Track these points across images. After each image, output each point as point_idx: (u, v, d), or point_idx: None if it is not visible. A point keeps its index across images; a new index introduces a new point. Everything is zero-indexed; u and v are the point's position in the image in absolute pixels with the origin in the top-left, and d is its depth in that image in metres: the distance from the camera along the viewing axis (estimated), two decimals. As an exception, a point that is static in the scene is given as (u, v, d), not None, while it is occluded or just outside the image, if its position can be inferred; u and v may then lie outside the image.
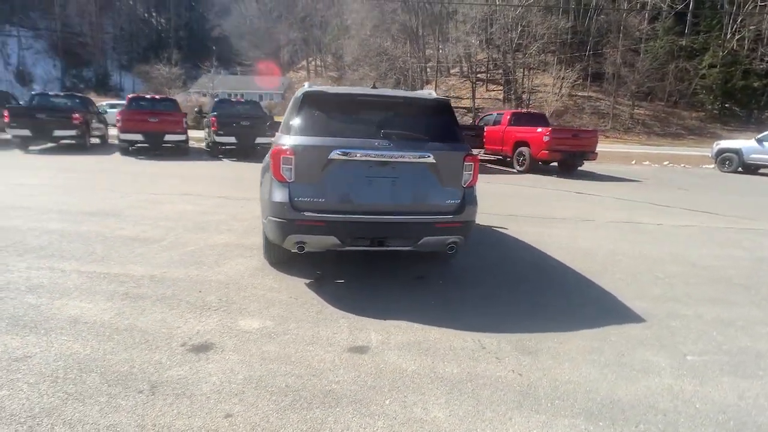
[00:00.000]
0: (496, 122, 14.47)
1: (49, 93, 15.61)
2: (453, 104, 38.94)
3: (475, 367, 2.67)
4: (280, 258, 4.20)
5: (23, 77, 55.42)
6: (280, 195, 3.39)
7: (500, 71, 42.21)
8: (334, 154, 3.31)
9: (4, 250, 4.27)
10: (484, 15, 39.65)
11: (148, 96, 15.34)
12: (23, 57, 57.79)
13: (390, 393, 2.38)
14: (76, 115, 12.98)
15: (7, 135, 12.71)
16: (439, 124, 3.70)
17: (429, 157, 3.44)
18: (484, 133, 13.38)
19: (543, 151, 12.18)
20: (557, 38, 39.64)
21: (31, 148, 13.25)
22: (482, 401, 2.35)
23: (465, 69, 45.37)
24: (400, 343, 2.93)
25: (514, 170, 13.33)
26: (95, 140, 15.67)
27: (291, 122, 3.52)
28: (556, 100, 35.94)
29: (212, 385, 2.37)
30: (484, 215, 6.90)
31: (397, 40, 43.97)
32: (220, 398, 2.26)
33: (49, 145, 13.96)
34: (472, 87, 42.27)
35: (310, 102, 3.54)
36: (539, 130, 12.34)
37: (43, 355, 2.57)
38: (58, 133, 12.78)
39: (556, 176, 12.61)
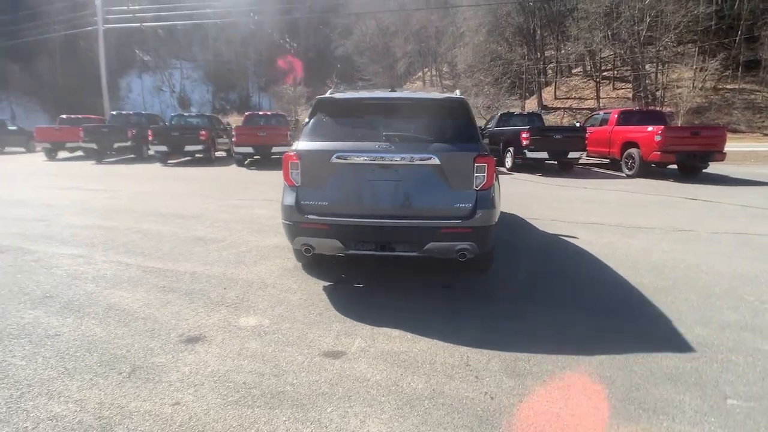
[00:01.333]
0: (603, 122, 13.10)
1: (185, 114, 18.19)
2: (575, 106, 35.96)
3: (445, 385, 2.45)
4: (309, 260, 4.34)
5: (184, 102, 65.38)
6: (288, 198, 3.51)
7: (628, 68, 38.16)
8: (335, 158, 3.33)
9: (95, 246, 5.09)
10: (606, 8, 36.28)
11: (261, 113, 17.01)
12: (184, 85, 68.32)
13: (337, 401, 2.30)
14: (203, 132, 14.90)
15: (151, 151, 15.11)
16: (449, 125, 3.49)
17: (432, 159, 3.27)
18: (587, 135, 12.18)
19: (654, 153, 10.68)
20: (697, 26, 34.50)
21: (169, 161, 15.52)
22: (429, 422, 2.15)
23: (588, 68, 41.94)
24: (380, 351, 2.82)
25: (623, 174, 11.91)
26: (221, 153, 17.82)
27: (304, 128, 3.63)
28: (696, 96, 31.25)
29: (181, 374, 2.54)
30: (559, 223, 6.32)
31: (513, 43, 42.38)
32: (180, 387, 2.41)
33: (186, 158, 16.24)
34: (596, 86, 38.86)
35: (321, 108, 3.62)
36: (650, 129, 10.86)
37: (69, 334, 3.00)
38: (188, 148, 14.80)
39: (672, 180, 10.97)
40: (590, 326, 3.20)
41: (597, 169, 13.64)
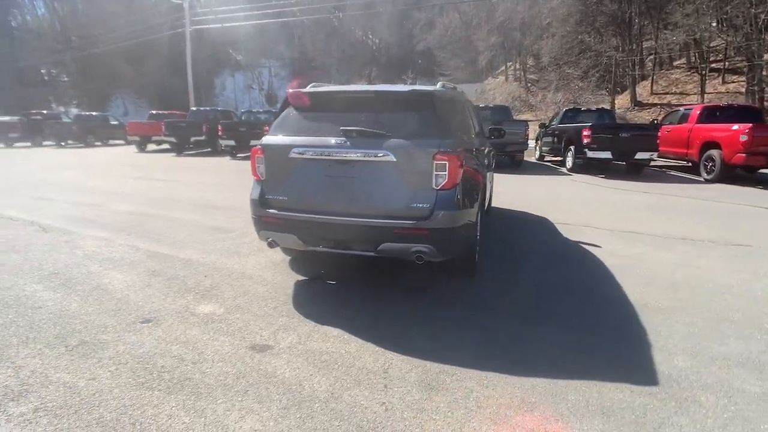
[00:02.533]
0: (683, 119, 11.71)
1: (253, 110, 19.27)
2: (674, 102, 32.49)
3: (347, 390, 2.36)
4: (297, 254, 4.40)
5: (271, 99, 69.47)
6: (254, 192, 3.59)
7: (742, 58, 33.58)
8: (293, 153, 3.34)
9: (123, 230, 5.58)
10: (716, -10, 32.18)
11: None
12: (272, 83, 72.39)
13: (233, 394, 2.32)
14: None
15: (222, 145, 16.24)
16: (413, 120, 3.32)
17: (387, 155, 3.14)
18: (659, 134, 10.97)
19: (739, 155, 9.34)
20: (837, 5, 29.34)
21: (238, 155, 16.54)
22: (306, 426, 2.09)
23: (693, 59, 37.59)
24: (307, 349, 2.78)
25: (701, 178, 10.57)
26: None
27: (274, 122, 3.68)
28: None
29: (114, 352, 2.71)
30: (590, 230, 5.81)
31: (604, 33, 39.24)
32: (106, 364, 2.58)
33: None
34: (701, 80, 34.75)
35: (290, 102, 3.64)
36: (735, 127, 9.51)
37: (50, 308, 3.33)
38: (253, 142, 15.63)
39: (761, 188, 9.51)
40: (555, 345, 2.89)
41: (673, 173, 12.25)
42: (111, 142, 23.87)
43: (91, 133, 22.55)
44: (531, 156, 16.12)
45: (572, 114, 13.22)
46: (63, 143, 22.20)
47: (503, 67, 61.51)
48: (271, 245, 3.62)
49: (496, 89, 49.58)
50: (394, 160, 3.15)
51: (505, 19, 55.05)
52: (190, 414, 2.15)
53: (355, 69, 73.13)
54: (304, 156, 3.32)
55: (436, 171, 3.16)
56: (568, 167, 12.02)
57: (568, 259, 4.67)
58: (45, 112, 25.52)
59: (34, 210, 6.76)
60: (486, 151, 5.49)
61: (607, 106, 29.59)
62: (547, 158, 14.86)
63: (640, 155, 10.70)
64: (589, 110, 13.74)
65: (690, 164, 11.80)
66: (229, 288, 3.76)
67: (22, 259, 4.44)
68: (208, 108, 20.04)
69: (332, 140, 3.27)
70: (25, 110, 25.58)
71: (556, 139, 13.01)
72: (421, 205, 3.18)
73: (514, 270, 4.32)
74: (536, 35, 49.80)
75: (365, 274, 4.18)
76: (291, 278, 4.01)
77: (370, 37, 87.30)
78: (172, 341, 2.86)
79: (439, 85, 3.75)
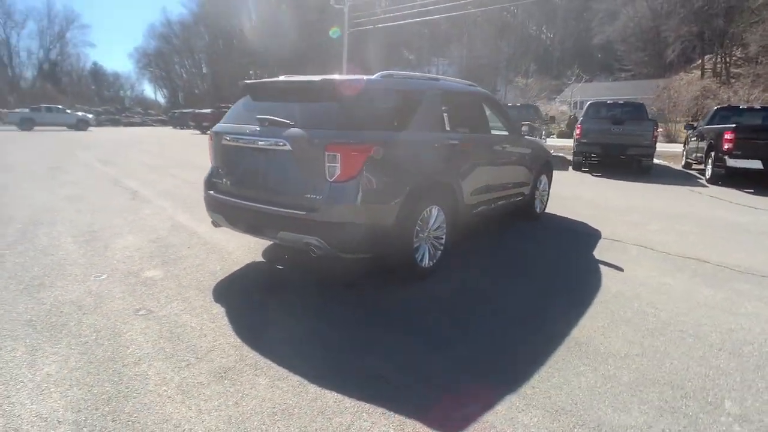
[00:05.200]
0: None
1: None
2: None
3: (153, 361, 2.51)
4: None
5: (431, 96, 71.17)
6: (206, 175, 3.93)
7: None
8: (223, 140, 3.56)
9: (185, 204, 6.55)
10: None
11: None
12: (438, 81, 74.13)
13: (73, 343, 2.66)
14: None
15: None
16: (321, 109, 3.23)
17: (284, 144, 3.13)
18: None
19: None
20: None
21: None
22: (84, 381, 2.31)
23: None
24: (173, 321, 2.98)
25: None
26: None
27: (228, 111, 3.96)
28: None
29: (48, 294, 3.32)
30: (637, 249, 4.96)
31: None
32: (30, 303, 3.19)
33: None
34: None
35: (245, 92, 3.86)
36: None
37: (57, 256, 4.19)
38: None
39: None
40: (404, 371, 2.57)
41: None
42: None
43: (259, 124, 26.39)
44: (679, 163, 13.53)
45: (726, 113, 10.56)
46: (237, 132, 26.49)
47: (699, 61, 51.90)
48: (214, 224, 3.92)
49: (685, 86, 42.03)
50: (290, 149, 3.13)
51: (704, 4, 46.16)
52: (28, 351, 2.57)
53: (526, 65, 69.85)
54: (229, 142, 3.52)
55: (328, 162, 3.04)
56: (707, 177, 9.75)
57: (556, 281, 3.96)
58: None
59: (150, 183, 8.37)
60: (502, 149, 4.95)
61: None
62: (695, 166, 12.23)
63: (809, 166, 8.10)
64: (751, 109, 10.78)
65: None
66: (192, 259, 4.19)
67: (90, 218, 5.61)
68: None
69: (251, 128, 3.40)
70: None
71: (699, 144, 10.65)
72: (314, 197, 3.11)
73: (469, 284, 3.85)
74: (746, 22, 40.44)
75: (320, 264, 4.19)
76: (251, 258, 4.27)
77: (544, 31, 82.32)
78: (94, 294, 3.36)
79: (377, 75, 3.55)
